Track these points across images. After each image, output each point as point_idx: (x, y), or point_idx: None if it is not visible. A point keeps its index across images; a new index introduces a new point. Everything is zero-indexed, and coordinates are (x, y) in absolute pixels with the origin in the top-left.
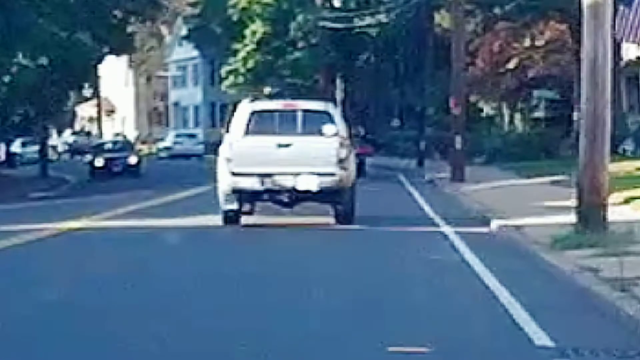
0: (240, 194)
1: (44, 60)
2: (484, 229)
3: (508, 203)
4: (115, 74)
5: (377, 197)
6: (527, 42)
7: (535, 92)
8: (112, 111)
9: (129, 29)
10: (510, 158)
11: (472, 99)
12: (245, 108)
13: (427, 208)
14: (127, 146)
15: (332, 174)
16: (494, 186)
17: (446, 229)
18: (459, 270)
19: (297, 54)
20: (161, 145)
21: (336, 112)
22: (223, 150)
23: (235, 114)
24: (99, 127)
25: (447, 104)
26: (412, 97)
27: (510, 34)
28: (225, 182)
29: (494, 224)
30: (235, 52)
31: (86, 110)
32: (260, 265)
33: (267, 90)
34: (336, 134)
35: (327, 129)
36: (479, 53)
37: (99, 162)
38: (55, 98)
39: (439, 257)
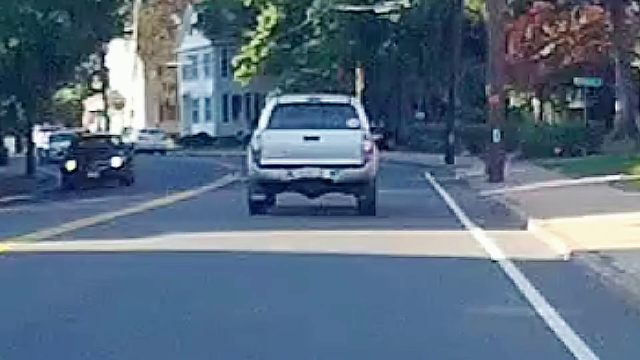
0: (267, 185)
1: (14, 42)
2: (550, 255)
3: (569, 213)
4: (124, 66)
5: (399, 204)
6: (562, 27)
7: (576, 80)
8: (122, 105)
9: (120, 11)
10: (547, 153)
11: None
12: (272, 101)
13: (465, 220)
14: (113, 144)
15: (357, 166)
16: (541, 188)
17: (496, 253)
18: (537, 341)
19: (314, 42)
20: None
21: (359, 105)
22: (252, 142)
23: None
24: (107, 122)
25: (475, 94)
26: (438, 88)
27: (546, 17)
28: (253, 174)
29: (564, 247)
30: (247, 40)
31: (94, 104)
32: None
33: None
34: (360, 127)
35: (351, 122)
36: (510, 39)
37: (71, 165)
38: (37, 88)
39: (498, 312)
